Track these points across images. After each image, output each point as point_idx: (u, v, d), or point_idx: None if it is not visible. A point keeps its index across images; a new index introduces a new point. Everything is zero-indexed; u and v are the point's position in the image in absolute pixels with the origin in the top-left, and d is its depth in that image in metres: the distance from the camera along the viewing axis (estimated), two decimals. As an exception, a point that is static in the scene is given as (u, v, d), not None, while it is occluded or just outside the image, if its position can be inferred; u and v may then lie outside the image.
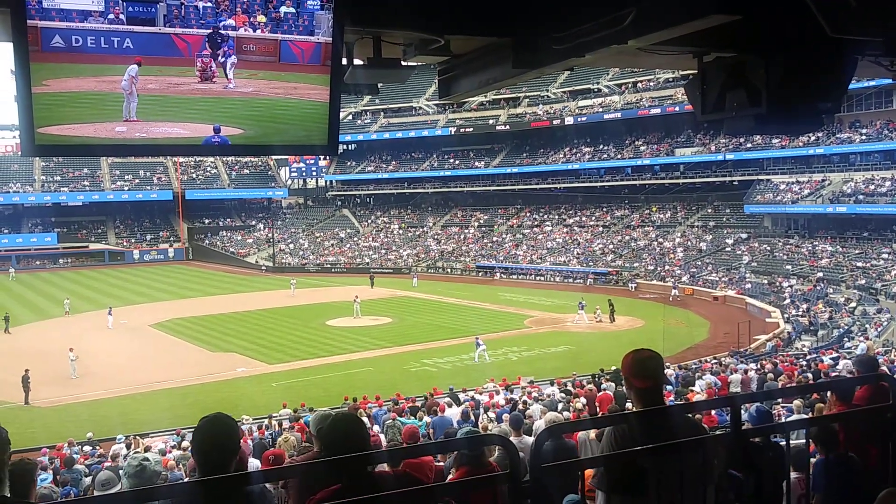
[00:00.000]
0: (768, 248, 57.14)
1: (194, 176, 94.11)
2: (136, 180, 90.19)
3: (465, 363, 33.07)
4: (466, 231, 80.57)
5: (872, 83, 51.50)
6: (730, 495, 3.61)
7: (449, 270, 71.52)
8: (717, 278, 54.62)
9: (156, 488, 3.27)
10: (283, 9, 3.83)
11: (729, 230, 63.32)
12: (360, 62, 4.66)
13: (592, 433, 8.93)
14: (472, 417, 16.15)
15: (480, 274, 68.64)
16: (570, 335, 39.89)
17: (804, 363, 23.26)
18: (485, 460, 4.94)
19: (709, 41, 4.64)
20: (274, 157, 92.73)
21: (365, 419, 14.91)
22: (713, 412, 11.70)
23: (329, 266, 76.92)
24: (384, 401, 21.78)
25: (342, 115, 4.36)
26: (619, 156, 75.46)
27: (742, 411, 3.74)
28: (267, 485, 3.48)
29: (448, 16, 4.41)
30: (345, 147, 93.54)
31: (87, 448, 18.23)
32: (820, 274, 48.53)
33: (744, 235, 61.09)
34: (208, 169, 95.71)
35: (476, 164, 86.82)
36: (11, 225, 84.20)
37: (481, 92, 5.63)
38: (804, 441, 4.22)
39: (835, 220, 55.36)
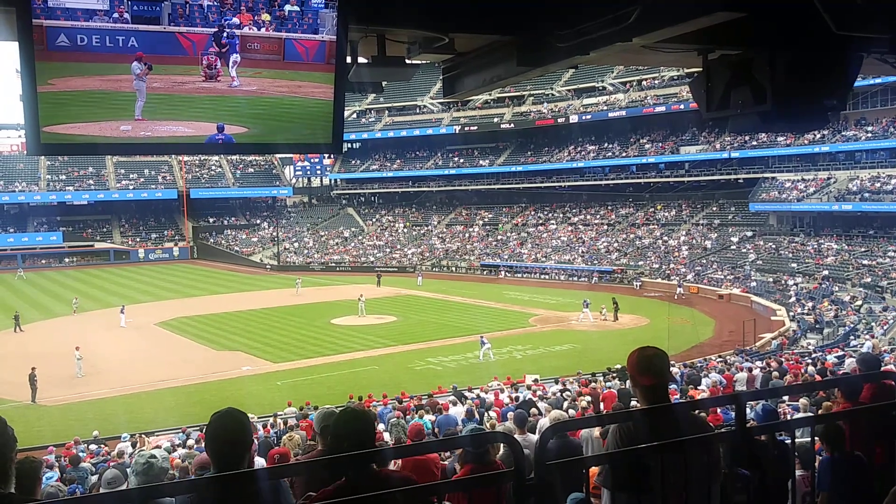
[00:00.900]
0: (773, 247, 57.01)
1: (199, 175, 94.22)
2: (141, 179, 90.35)
3: (470, 361, 33.07)
4: (471, 230, 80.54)
5: (878, 80, 51.31)
6: (735, 493, 3.60)
7: (454, 269, 71.52)
8: (723, 276, 54.52)
9: (166, 485, 3.27)
10: (287, 7, 3.83)
11: (734, 228, 63.18)
12: (365, 60, 4.66)
13: (596, 431, 8.94)
14: (477, 416, 16.17)
15: (485, 272, 68.61)
16: (574, 334, 39.85)
17: (809, 361, 23.20)
18: (490, 458, 4.94)
19: (714, 38, 4.63)
20: (278, 155, 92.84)
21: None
22: (719, 410, 11.70)
23: (334, 265, 76.99)
24: (389, 399, 21.82)
25: (346, 113, 4.35)
26: (623, 154, 75.34)
27: (748, 409, 3.74)
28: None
29: (452, 14, 4.41)
30: (349, 146, 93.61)
31: (92, 447, 18.30)
32: (825, 272, 48.41)
33: (749, 233, 60.97)
34: (213, 168, 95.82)
35: (480, 162, 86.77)
36: (17, 224, 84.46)
37: (486, 90, 5.63)
38: (810, 439, 4.21)
39: (840, 217, 55.19)
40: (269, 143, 4.29)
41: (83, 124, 3.77)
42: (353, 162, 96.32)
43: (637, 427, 3.30)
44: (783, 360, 23.70)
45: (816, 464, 4.54)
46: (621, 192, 75.30)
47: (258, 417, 20.13)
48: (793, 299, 45.05)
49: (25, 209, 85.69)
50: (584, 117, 77.05)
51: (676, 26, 4.09)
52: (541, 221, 77.25)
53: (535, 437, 8.77)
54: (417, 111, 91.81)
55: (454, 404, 18.62)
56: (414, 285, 60.31)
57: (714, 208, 67.85)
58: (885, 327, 34.44)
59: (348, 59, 4.31)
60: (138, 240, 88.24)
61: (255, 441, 13.06)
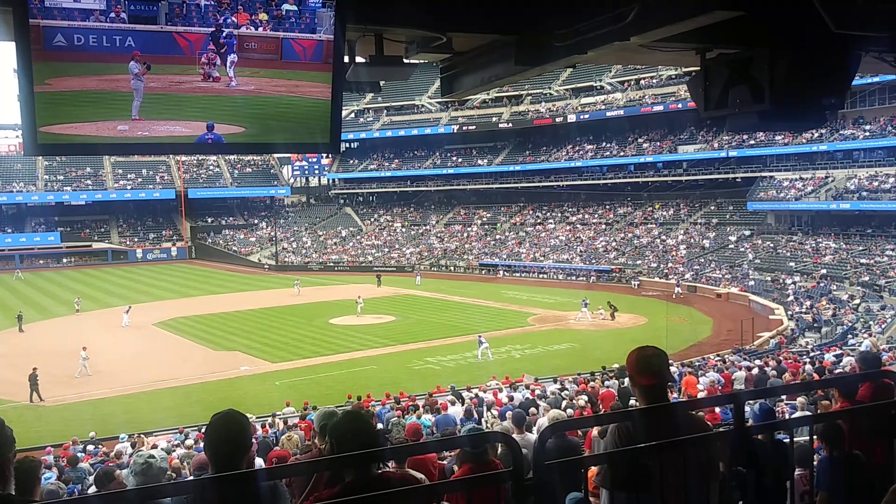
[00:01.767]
0: (771, 245, 57.06)
1: (197, 175, 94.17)
2: (139, 179, 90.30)
3: (469, 361, 33.07)
4: (469, 229, 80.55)
5: (876, 79, 51.36)
6: (734, 492, 3.60)
7: (452, 268, 71.53)
8: (721, 275, 54.56)
9: (165, 485, 3.26)
10: (285, 6, 3.82)
11: (732, 227, 63.24)
12: (363, 60, 4.65)
13: (594, 430, 8.93)
14: (476, 415, 16.17)
15: (483, 272, 68.64)
16: (573, 333, 39.86)
17: (808, 360, 23.22)
18: (488, 458, 4.94)
19: (711, 37, 4.63)
20: (276, 155, 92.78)
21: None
22: (717, 409, 11.70)
23: (332, 264, 76.98)
24: (387, 399, 21.81)
25: (344, 113, 4.35)
26: (621, 153, 75.39)
27: (745, 408, 3.73)
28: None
29: (450, 13, 4.40)
30: (347, 145, 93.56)
31: (90, 447, 18.28)
32: (823, 271, 48.45)
33: (747, 232, 61.03)
34: (211, 168, 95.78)
35: (479, 161, 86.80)
36: (15, 224, 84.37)
37: (484, 89, 5.62)
38: (808, 438, 4.21)
39: (838, 216, 55.25)
40: (268, 142, 4.28)
41: (80, 124, 3.76)
42: (352, 161, 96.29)
43: (636, 427, 3.30)
44: (781, 358, 23.70)
45: (815, 463, 4.54)
46: (619, 192, 75.36)
47: (257, 417, 20.11)
48: (791, 298, 45.08)
49: (23, 209, 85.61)
50: (582, 116, 77.11)
51: (674, 25, 4.09)
52: (539, 221, 77.28)
53: (533, 437, 8.77)
54: (415, 111, 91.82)
55: (452, 404, 18.62)
56: (412, 285, 60.31)
57: (712, 207, 67.92)
58: (882, 326, 34.49)
59: (346, 59, 4.30)
60: (136, 240, 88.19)
61: (255, 442, 13.06)
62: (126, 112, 3.75)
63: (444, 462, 8.79)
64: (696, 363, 25.39)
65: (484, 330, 36.72)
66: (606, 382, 20.27)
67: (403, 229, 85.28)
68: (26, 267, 75.27)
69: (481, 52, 4.97)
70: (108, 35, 3.55)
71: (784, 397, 13.72)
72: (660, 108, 70.90)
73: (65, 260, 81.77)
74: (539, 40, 4.48)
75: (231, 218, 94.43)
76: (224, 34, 3.74)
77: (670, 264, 59.82)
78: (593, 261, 64.53)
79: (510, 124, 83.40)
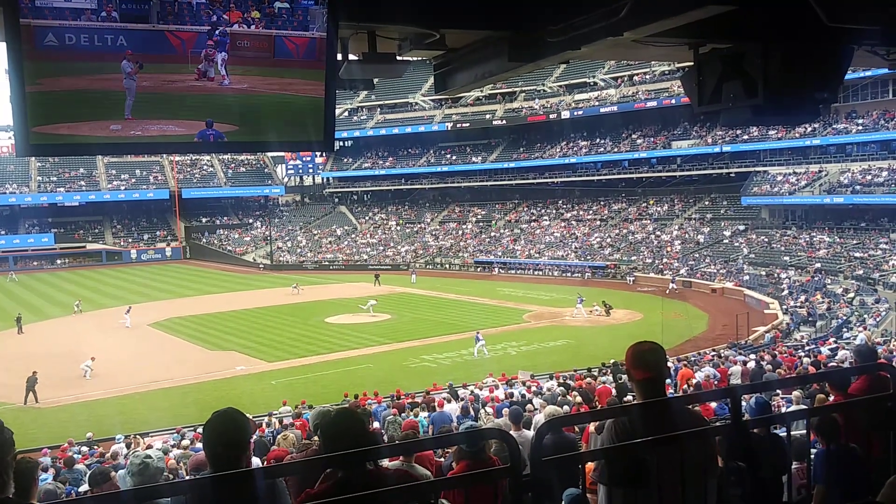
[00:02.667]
0: (766, 240, 57.21)
1: (190, 175, 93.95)
2: (133, 180, 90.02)
3: (465, 358, 33.09)
4: (464, 226, 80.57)
5: (868, 73, 51.53)
6: (731, 487, 3.60)
7: (447, 266, 71.53)
8: (715, 270, 54.67)
9: (163, 486, 3.26)
10: (277, 4, 3.81)
11: (726, 222, 63.40)
12: (356, 57, 4.64)
13: (591, 426, 8.94)
14: (472, 412, 16.18)
15: (479, 269, 68.68)
16: (568, 329, 39.91)
17: (803, 354, 23.29)
18: (485, 455, 4.94)
19: (705, 32, 4.62)
20: (270, 154, 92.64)
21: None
22: (712, 404, 11.72)
23: (327, 263, 76.91)
24: (383, 397, 21.82)
25: (338, 111, 4.34)
26: (615, 149, 75.49)
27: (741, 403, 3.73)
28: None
29: (443, 10, 4.39)
30: (341, 144, 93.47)
31: (84, 448, 18.25)
32: (818, 265, 48.59)
33: (741, 227, 61.18)
34: (204, 167, 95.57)
35: (473, 159, 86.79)
36: (8, 226, 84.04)
37: (478, 86, 5.61)
38: (804, 432, 4.22)
39: (832, 210, 55.41)
40: (261, 141, 4.26)
41: (73, 124, 3.74)
42: (346, 160, 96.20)
43: (633, 422, 3.29)
44: (776, 353, 23.78)
45: (812, 456, 4.55)
46: (613, 188, 75.46)
47: (253, 417, 20.07)
48: (785, 292, 45.21)
49: (16, 211, 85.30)
50: (575, 113, 77.17)
51: (667, 20, 4.08)
52: (534, 217, 77.33)
53: (530, 434, 8.77)
54: (409, 108, 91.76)
55: (449, 401, 18.63)
56: (408, 283, 60.31)
57: (706, 202, 68.07)
58: (877, 319, 34.61)
59: (339, 57, 4.29)
60: (130, 240, 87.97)
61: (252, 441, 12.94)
62: (119, 112, 3.73)
63: (441, 460, 8.80)
64: (692, 358, 25.46)
65: (480, 327, 36.75)
66: (602, 378, 20.30)
67: (398, 227, 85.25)
68: (20, 269, 75.01)
69: (475, 49, 4.96)
70: (100, 34, 3.53)
71: (780, 391, 13.77)
72: (653, 103, 71.00)
73: (59, 261, 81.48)
74: (532, 36, 4.47)
75: (225, 217, 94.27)
76: (218, 32, 3.72)
77: (665, 260, 59.93)
78: (588, 257, 64.61)
79: (504, 121, 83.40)
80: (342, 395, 23.33)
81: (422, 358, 33.62)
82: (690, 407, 3.98)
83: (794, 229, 57.26)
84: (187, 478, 9.92)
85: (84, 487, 5.92)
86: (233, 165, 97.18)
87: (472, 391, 20.57)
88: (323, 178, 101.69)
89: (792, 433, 4.76)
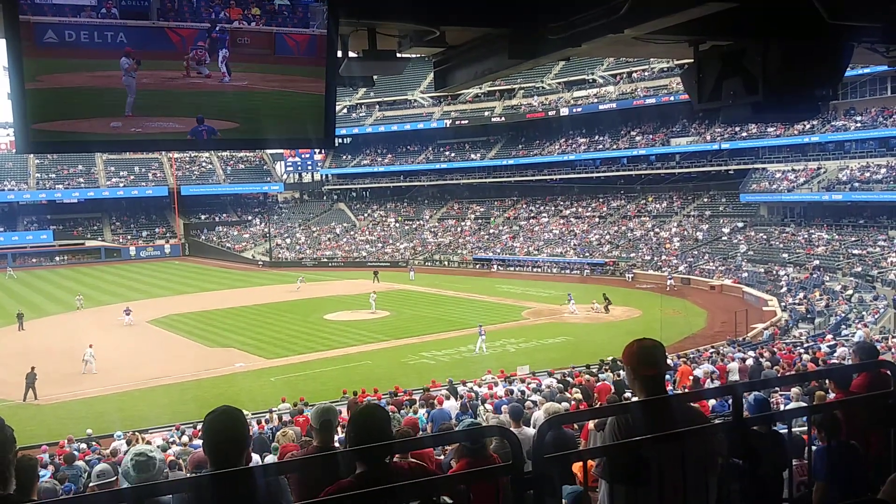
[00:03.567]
0: (764, 237, 57.26)
1: (189, 171, 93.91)
2: (132, 176, 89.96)
3: (464, 355, 33.11)
4: (463, 223, 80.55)
5: (867, 70, 51.47)
6: (732, 483, 3.61)
7: (446, 263, 71.53)
8: (714, 267, 54.72)
9: (165, 483, 3.26)
10: (277, 1, 3.80)
11: (725, 219, 63.43)
12: (356, 54, 4.63)
13: (591, 423, 8.95)
14: (471, 410, 16.19)
15: (477, 266, 68.68)
16: (567, 326, 39.94)
17: (802, 351, 23.32)
18: (486, 452, 4.95)
19: (705, 29, 4.62)
20: (269, 151, 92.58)
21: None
22: (711, 401, 11.74)
23: (326, 260, 76.89)
24: (382, 394, 21.84)
25: (337, 108, 4.33)
26: (614, 146, 75.49)
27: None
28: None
29: (443, 7, 4.39)
30: (340, 141, 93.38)
31: (84, 445, 18.27)
32: (816, 262, 48.61)
33: (740, 224, 61.21)
34: (203, 164, 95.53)
35: (472, 156, 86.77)
36: (7, 223, 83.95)
37: (477, 83, 5.61)
38: (805, 428, 4.22)
39: (830, 207, 55.44)
40: (261, 138, 4.26)
41: (73, 121, 3.74)
42: (344, 157, 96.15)
43: (635, 419, 3.30)
44: (776, 350, 23.80)
45: (812, 453, 4.55)
46: (612, 185, 75.46)
47: (252, 414, 20.09)
48: (784, 289, 45.25)
49: (15, 208, 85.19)
50: (574, 110, 77.16)
51: (668, 17, 4.08)
52: (532, 214, 77.33)
53: (530, 431, 8.78)
54: (408, 105, 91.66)
55: (448, 398, 18.65)
56: (406, 280, 60.31)
57: (705, 199, 68.10)
58: (875, 316, 34.63)
59: (339, 54, 4.28)
60: (129, 237, 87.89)
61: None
62: (119, 109, 3.72)
63: (441, 458, 8.80)
64: (691, 355, 25.49)
65: (479, 324, 36.62)
66: (601, 375, 20.32)
67: (397, 224, 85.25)
68: (19, 265, 74.84)
69: (475, 46, 4.96)
70: (100, 31, 3.52)
71: (778, 388, 13.80)
72: (652, 100, 70.97)
73: (58, 258, 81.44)
74: (533, 33, 4.47)
75: (224, 214, 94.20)
76: (218, 29, 3.71)
77: (664, 257, 59.94)
78: (587, 254, 64.63)
79: (503, 118, 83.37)
80: (341, 391, 23.35)
81: (420, 355, 33.64)
82: (691, 404, 3.98)
83: (792, 226, 57.30)
84: (187, 474, 9.92)
85: (93, 484, 5.89)
86: (231, 162, 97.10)
87: (471, 388, 20.59)
88: (322, 176, 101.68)
89: (793, 430, 4.76)
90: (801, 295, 42.67)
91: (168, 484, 3.23)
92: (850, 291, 41.35)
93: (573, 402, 13.84)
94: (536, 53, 4.62)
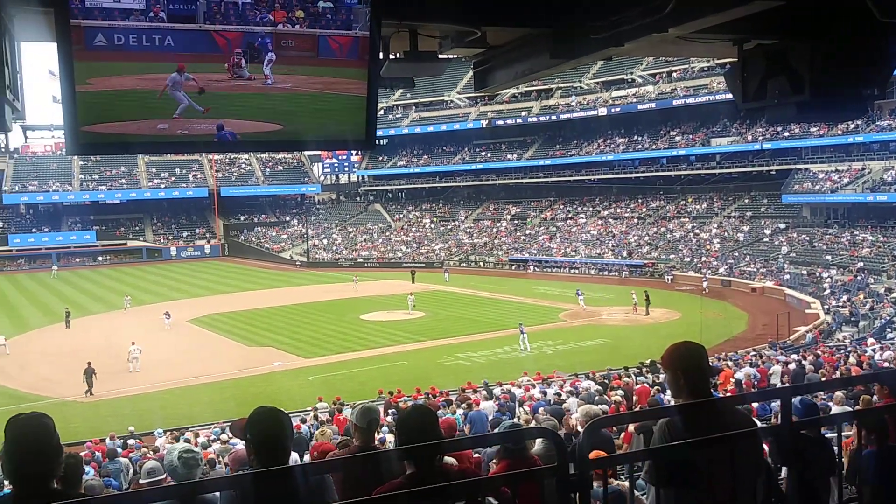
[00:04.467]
0: (807, 238, 56.24)
1: (229, 173, 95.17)
2: (173, 178, 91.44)
3: (500, 357, 33.04)
4: (499, 224, 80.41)
5: (914, 68, 50.24)
6: (779, 487, 3.55)
7: (481, 264, 71.44)
8: (755, 269, 53.90)
9: (221, 479, 3.32)
10: (321, 4, 3.83)
11: (767, 220, 62.43)
12: (397, 56, 4.65)
13: (631, 427, 8.88)
14: (509, 411, 16.16)
15: (514, 267, 68.50)
16: (606, 328, 39.66)
17: (847, 354, 22.87)
18: (528, 454, 4.93)
19: (750, 28, 4.56)
20: (307, 153, 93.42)
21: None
22: (755, 404, 11.57)
23: (362, 261, 77.31)
24: (417, 395, 21.87)
25: (375, 109, 4.35)
26: (653, 146, 74.76)
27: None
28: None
29: (484, 7, 4.38)
30: (376, 142, 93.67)
31: (131, 441, 18.62)
32: (860, 264, 47.64)
33: (782, 225, 60.20)
34: (243, 166, 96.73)
35: (508, 156, 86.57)
36: (52, 223, 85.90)
37: (518, 83, 5.60)
38: (851, 433, 4.15)
39: (875, 208, 54.27)
40: (304, 139, 4.30)
41: (121, 123, 3.81)
42: (381, 158, 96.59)
43: (684, 422, 3.26)
44: (819, 353, 23.38)
45: (860, 458, 4.47)
46: (651, 185, 74.70)
47: (291, 413, 20.25)
48: (827, 292, 44.42)
49: (60, 208, 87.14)
50: (613, 110, 76.55)
51: (713, 16, 4.04)
52: (570, 215, 76.89)
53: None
54: (444, 106, 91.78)
55: (485, 399, 18.63)
56: (441, 281, 60.36)
57: (746, 200, 67.08)
58: (922, 320, 33.84)
59: (381, 55, 4.30)
60: (170, 238, 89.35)
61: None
62: (165, 111, 3.78)
63: (478, 455, 8.79)
64: (733, 358, 25.13)
65: (515, 326, 36.50)
66: (639, 378, 20.14)
67: (432, 225, 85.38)
68: (63, 265, 76.52)
69: (515, 46, 4.95)
70: (148, 34, 3.58)
71: (820, 392, 13.54)
72: (692, 100, 70.12)
73: (100, 258, 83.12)
74: (575, 33, 4.44)
75: (263, 215, 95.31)
76: (262, 32, 3.76)
77: (704, 258, 59.19)
78: (625, 255, 64.08)
79: (540, 118, 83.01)
80: (377, 391, 23.45)
81: (456, 356, 33.64)
82: (738, 407, 3.93)
83: (836, 228, 56.19)
84: (226, 471, 10.04)
85: (143, 481, 5.99)
86: (270, 164, 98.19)
87: (507, 389, 20.55)
88: (358, 177, 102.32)
89: (827, 434, 4.68)
90: (845, 297, 41.84)
91: (222, 481, 3.28)
92: (894, 294, 40.42)
93: (612, 405, 13.73)
94: (579, 53, 4.59)
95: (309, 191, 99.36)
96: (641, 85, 77.06)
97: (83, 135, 3.73)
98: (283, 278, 67.11)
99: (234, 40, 3.74)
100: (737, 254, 58.35)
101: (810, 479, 3.84)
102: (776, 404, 9.11)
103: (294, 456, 10.51)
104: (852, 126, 58.02)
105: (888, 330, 32.71)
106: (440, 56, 4.83)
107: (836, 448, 4.41)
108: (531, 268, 66.99)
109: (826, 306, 41.54)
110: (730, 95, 5.27)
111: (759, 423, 5.80)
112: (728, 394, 15.34)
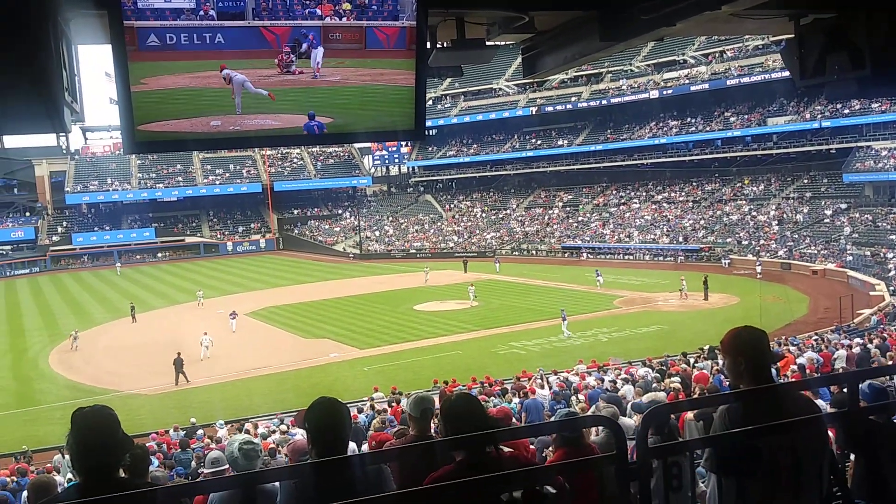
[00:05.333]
0: (870, 218, 54.55)
1: (282, 168, 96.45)
2: (227, 174, 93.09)
3: (554, 345, 32.88)
4: (550, 212, 79.88)
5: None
6: (844, 478, 3.45)
7: (534, 252, 71.10)
8: (816, 251, 52.54)
9: (272, 471, 3.37)
10: (367, -5, 3.83)
11: (827, 201, 60.71)
12: (445, 44, 4.63)
13: (690, 414, 8.74)
14: (564, 399, 16.07)
15: (566, 255, 68.01)
16: (661, 314, 39.13)
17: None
18: (584, 442, 4.90)
19: (807, 1, 4.42)
20: (357, 145, 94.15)
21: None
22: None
23: (414, 251, 77.64)
24: (474, 384, 21.89)
25: (425, 99, 4.34)
26: (707, 128, 73.21)
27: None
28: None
29: (532, -9, 4.33)
30: (427, 132, 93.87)
31: (200, 431, 19.11)
32: (928, 243, 46.09)
33: (843, 206, 58.48)
34: (294, 161, 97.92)
35: (559, 142, 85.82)
36: (112, 221, 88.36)
37: (567, 68, 5.52)
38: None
39: (942, 186, 52.40)
40: (355, 132, 4.32)
41: (175, 121, 3.87)
42: (430, 149, 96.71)
43: (746, 408, 3.19)
44: (886, 336, 22.68)
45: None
46: (706, 168, 73.24)
47: (348, 403, 20.46)
48: (892, 273, 43.07)
49: (119, 207, 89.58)
50: (664, 92, 75.12)
51: (768, -9, 3.92)
52: (623, 200, 75.95)
53: (629, 421, 8.65)
54: (493, 94, 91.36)
55: (540, 388, 18.57)
56: (493, 270, 60.19)
57: (805, 181, 65.30)
58: None
59: (428, 44, 4.29)
60: (226, 233, 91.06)
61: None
62: (217, 108, 3.83)
63: (534, 446, 8.76)
64: (794, 342, 24.54)
65: (569, 313, 36.20)
66: (698, 364, 19.82)
67: (483, 214, 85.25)
68: (125, 262, 78.94)
69: (564, 30, 4.88)
70: (199, 33, 3.63)
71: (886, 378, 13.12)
72: (746, 79, 68.35)
73: (160, 254, 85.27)
74: (624, 14, 4.36)
75: (315, 209, 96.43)
76: (309, 26, 3.78)
77: (762, 241, 57.92)
78: (680, 240, 63.07)
79: (590, 103, 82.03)
80: (431, 381, 23.54)
81: (510, 345, 33.59)
82: (801, 392, 3.83)
83: (900, 206, 54.43)
84: (286, 461, 10.20)
85: (207, 471, 6.13)
86: (321, 158, 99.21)
87: (563, 377, 20.43)
88: (408, 168, 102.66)
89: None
90: (912, 278, 40.55)
91: (282, 470, 3.34)
92: (965, 274, 39.04)
93: (671, 392, 13.55)
94: (629, 35, 4.51)
95: (360, 183, 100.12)
96: (694, 66, 75.51)
97: (139, 134, 3.80)
98: (337, 270, 67.83)
99: (282, 35, 3.77)
100: (796, 236, 56.94)
101: (879, 466, 3.72)
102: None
103: (352, 446, 10.63)
104: (916, 101, 56.04)
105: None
106: (488, 43, 4.79)
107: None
108: (584, 255, 66.42)
109: (891, 288, 40.30)
110: (786, 73, 5.12)
111: (825, 408, 5.65)
112: (790, 379, 14.99)
